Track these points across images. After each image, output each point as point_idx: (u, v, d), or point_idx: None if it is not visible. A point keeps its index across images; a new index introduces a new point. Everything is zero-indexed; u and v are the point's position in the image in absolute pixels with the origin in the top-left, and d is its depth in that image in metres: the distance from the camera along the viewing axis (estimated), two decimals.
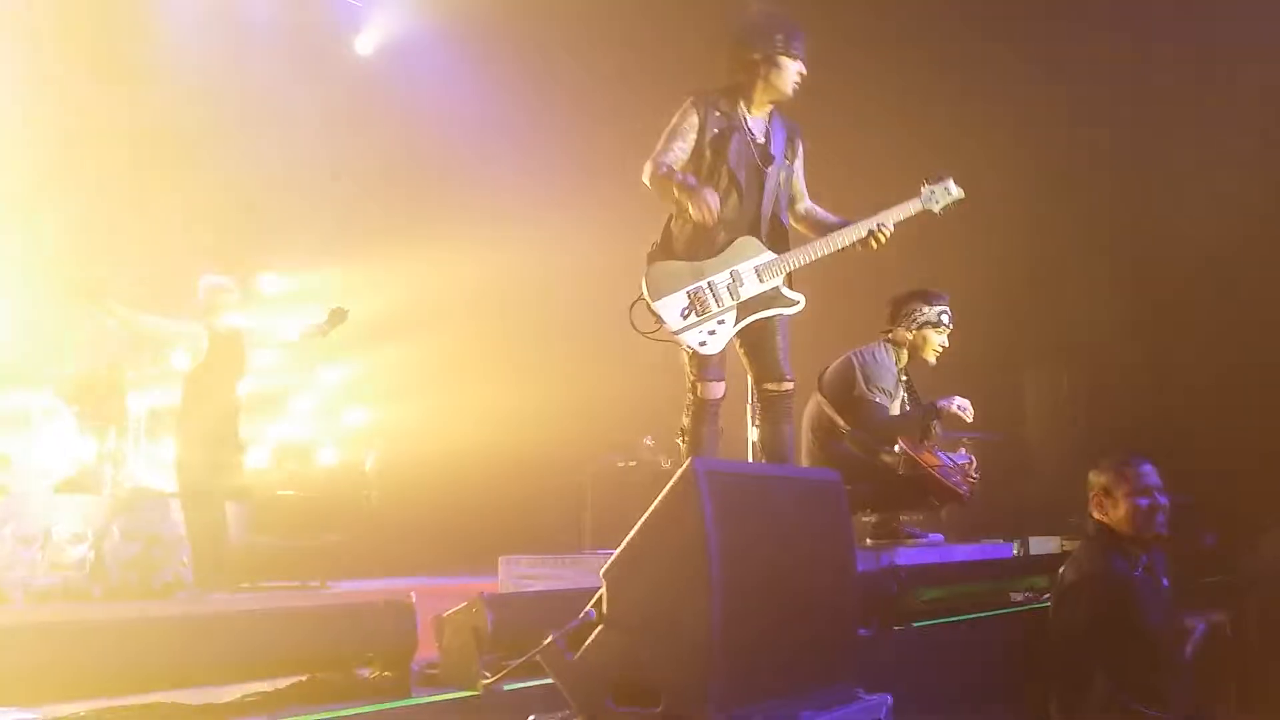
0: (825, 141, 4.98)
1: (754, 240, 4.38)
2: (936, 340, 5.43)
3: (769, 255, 4.38)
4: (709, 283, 4.24)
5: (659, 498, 2.51)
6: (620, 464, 8.91)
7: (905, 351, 5.42)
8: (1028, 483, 8.06)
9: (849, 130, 5.07)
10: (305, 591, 7.28)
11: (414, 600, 2.91)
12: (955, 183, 4.65)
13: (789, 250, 4.45)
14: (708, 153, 4.31)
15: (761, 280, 4.33)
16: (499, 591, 4.37)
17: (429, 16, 8.75)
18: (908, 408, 5.42)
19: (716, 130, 4.31)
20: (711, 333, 4.23)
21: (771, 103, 4.47)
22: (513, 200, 9.18)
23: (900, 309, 5.40)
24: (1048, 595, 4.82)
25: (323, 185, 9.04)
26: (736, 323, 4.31)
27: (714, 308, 4.23)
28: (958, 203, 4.66)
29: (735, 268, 4.29)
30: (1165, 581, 3.97)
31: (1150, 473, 3.96)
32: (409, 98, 8.90)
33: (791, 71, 4.39)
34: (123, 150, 8.12)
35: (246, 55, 8.23)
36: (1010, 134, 8.51)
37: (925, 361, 5.46)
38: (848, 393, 5.27)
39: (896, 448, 5.22)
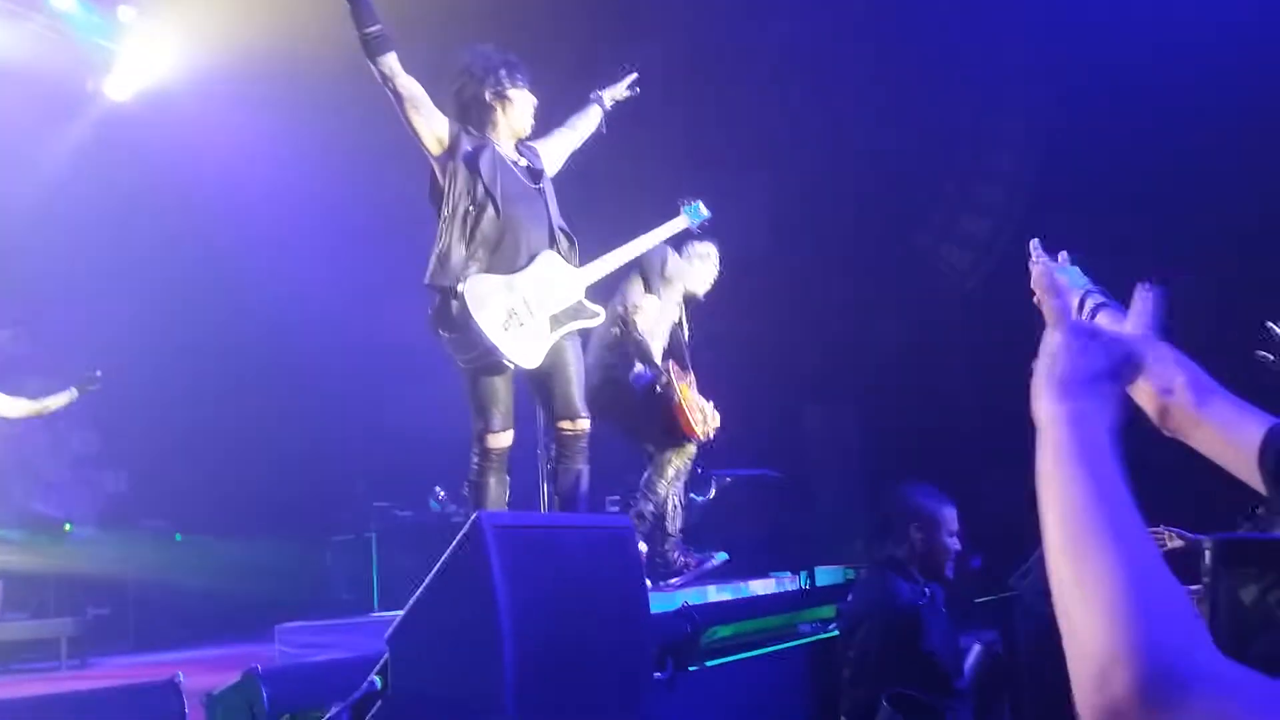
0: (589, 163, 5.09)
1: (555, 254, 4.38)
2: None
3: (569, 268, 4.41)
4: (522, 296, 4.21)
5: (444, 555, 2.42)
6: (401, 514, 8.63)
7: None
8: (811, 513, 8.28)
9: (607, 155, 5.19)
10: (62, 674, 6.70)
11: (181, 679, 2.69)
12: (704, 205, 5.31)
13: (582, 264, 4.52)
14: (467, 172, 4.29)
15: (566, 293, 4.35)
16: (275, 662, 4.12)
17: (189, 60, 8.34)
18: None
19: (470, 149, 4.29)
20: (531, 345, 4.19)
21: (515, 136, 4.50)
22: (274, 241, 8.83)
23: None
24: (834, 625, 4.93)
25: (70, 234, 8.45)
26: (550, 334, 4.28)
27: (529, 320, 4.20)
28: (708, 220, 5.35)
29: (543, 281, 4.29)
30: (943, 609, 4.12)
31: (955, 515, 4.12)
32: (166, 143, 8.46)
33: (525, 102, 4.46)
34: None
35: None
36: (762, 171, 8.81)
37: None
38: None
39: (663, 376, 5.41)
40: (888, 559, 4.11)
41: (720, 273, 5.87)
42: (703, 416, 5.51)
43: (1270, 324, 2.62)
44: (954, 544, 4.09)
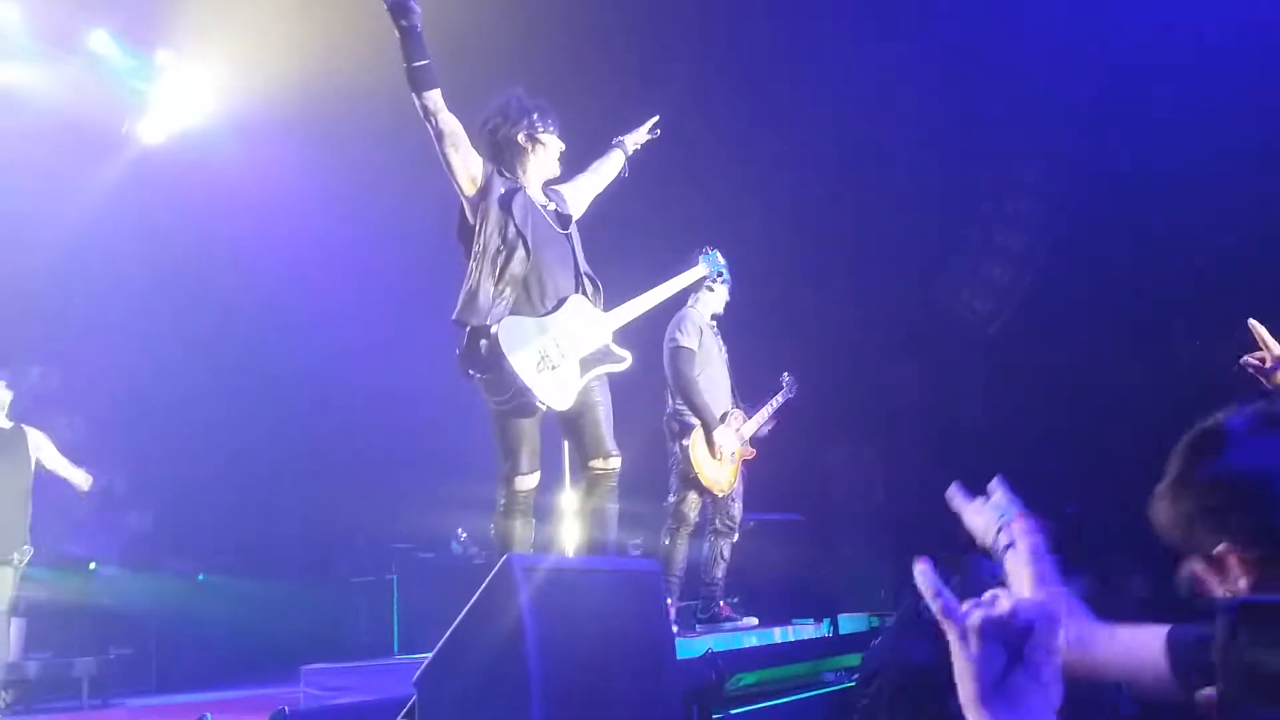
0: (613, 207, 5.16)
1: (582, 298, 4.41)
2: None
3: (597, 312, 4.43)
4: (553, 338, 4.23)
5: (474, 597, 2.42)
6: (423, 555, 8.62)
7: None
8: (834, 559, 8.24)
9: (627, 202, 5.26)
10: (84, 713, 6.70)
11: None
12: (720, 254, 5.55)
13: (609, 309, 4.53)
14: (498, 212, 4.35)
15: (595, 337, 4.37)
16: (301, 705, 4.11)
17: (222, 102, 8.47)
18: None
19: (503, 190, 4.33)
20: (562, 387, 4.20)
21: (543, 179, 4.55)
22: (305, 281, 8.92)
23: None
24: (858, 673, 4.88)
25: (100, 275, 8.55)
26: (580, 378, 4.29)
27: (561, 362, 4.21)
28: (725, 269, 5.58)
29: (573, 324, 4.31)
30: None
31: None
32: (199, 184, 8.57)
33: (554, 147, 4.51)
34: None
35: (19, 141, 7.76)
36: (783, 216, 8.85)
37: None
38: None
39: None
40: (914, 615, 4.04)
41: (742, 314, 6.03)
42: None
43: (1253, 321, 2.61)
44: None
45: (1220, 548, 1.40)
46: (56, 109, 7.90)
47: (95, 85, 8.11)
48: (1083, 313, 8.36)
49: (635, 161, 5.00)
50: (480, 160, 4.30)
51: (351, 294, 8.95)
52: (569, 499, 4.70)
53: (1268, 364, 2.54)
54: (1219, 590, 1.41)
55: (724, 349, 6.11)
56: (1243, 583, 1.38)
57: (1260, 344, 2.57)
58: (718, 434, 5.74)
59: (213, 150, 8.44)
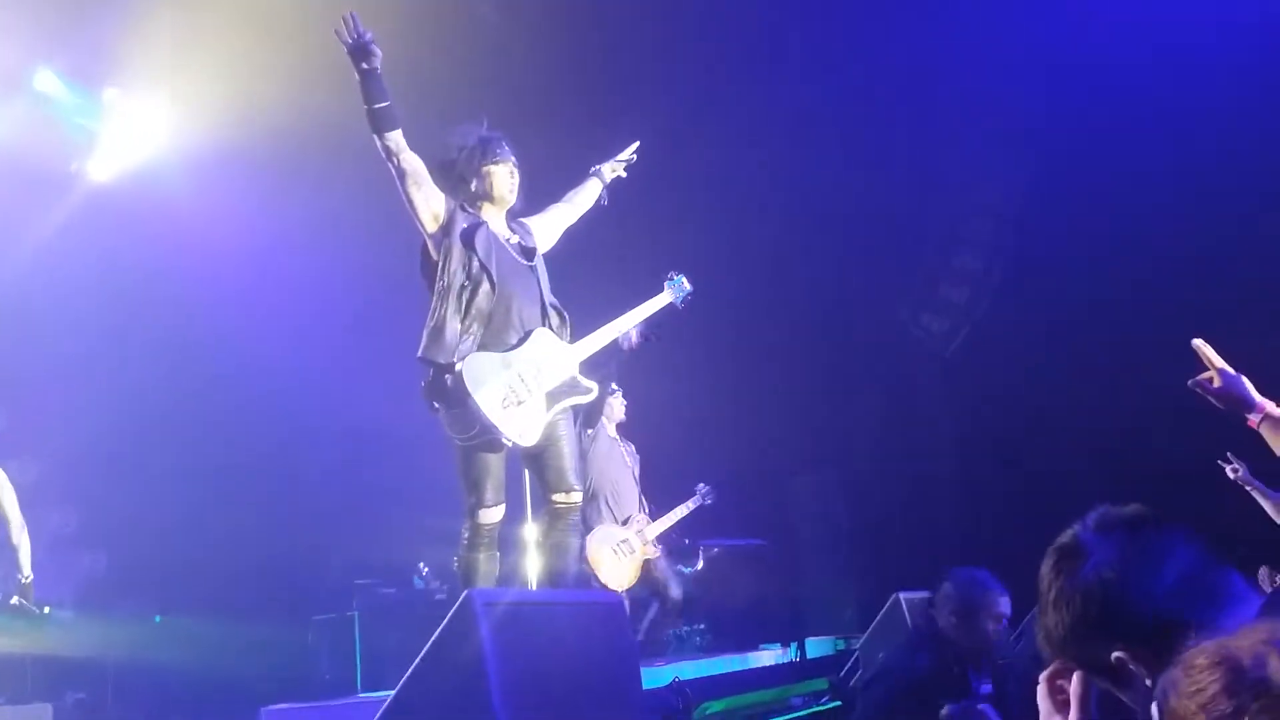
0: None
1: (548, 331, 4.39)
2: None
3: (562, 345, 4.42)
4: (519, 373, 4.20)
5: (435, 635, 2.39)
6: (385, 591, 8.52)
7: None
8: (799, 584, 8.24)
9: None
10: None
11: None
12: (686, 279, 5.32)
13: (573, 340, 4.52)
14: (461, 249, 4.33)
15: (561, 369, 4.35)
16: None
17: (172, 140, 8.41)
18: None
19: (465, 226, 4.32)
20: (528, 422, 4.17)
21: (502, 209, 4.54)
22: (256, 320, 8.83)
23: None
24: (826, 698, 4.88)
25: (51, 313, 8.42)
26: (546, 412, 4.27)
27: (527, 397, 4.19)
28: (691, 294, 5.36)
29: (538, 358, 4.29)
30: (987, 686, 4.05)
31: (1004, 603, 4.07)
32: (151, 222, 8.48)
33: (505, 174, 4.50)
34: None
35: None
36: (741, 242, 8.90)
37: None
38: None
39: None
40: (929, 633, 4.06)
41: (705, 333, 6.15)
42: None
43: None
44: (994, 631, 3.99)
45: (1116, 654, 1.41)
46: (2, 148, 7.81)
47: (42, 124, 8.03)
48: (1042, 331, 8.46)
49: (613, 188, 4.99)
50: (442, 197, 4.30)
51: (308, 329, 8.87)
52: (531, 530, 4.68)
53: (1215, 383, 2.56)
54: (1128, 698, 1.44)
55: (634, 455, 6.64)
56: (1149, 683, 1.38)
57: (1206, 364, 2.59)
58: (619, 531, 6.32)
59: (164, 187, 8.36)
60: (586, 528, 5.99)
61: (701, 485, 6.69)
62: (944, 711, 4.04)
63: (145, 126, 8.28)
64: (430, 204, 4.26)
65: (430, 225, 4.30)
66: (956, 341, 9.12)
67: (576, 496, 4.35)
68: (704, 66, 8.58)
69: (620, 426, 6.68)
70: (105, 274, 8.51)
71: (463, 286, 4.22)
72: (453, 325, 4.18)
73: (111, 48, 7.94)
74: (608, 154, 4.97)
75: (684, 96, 8.60)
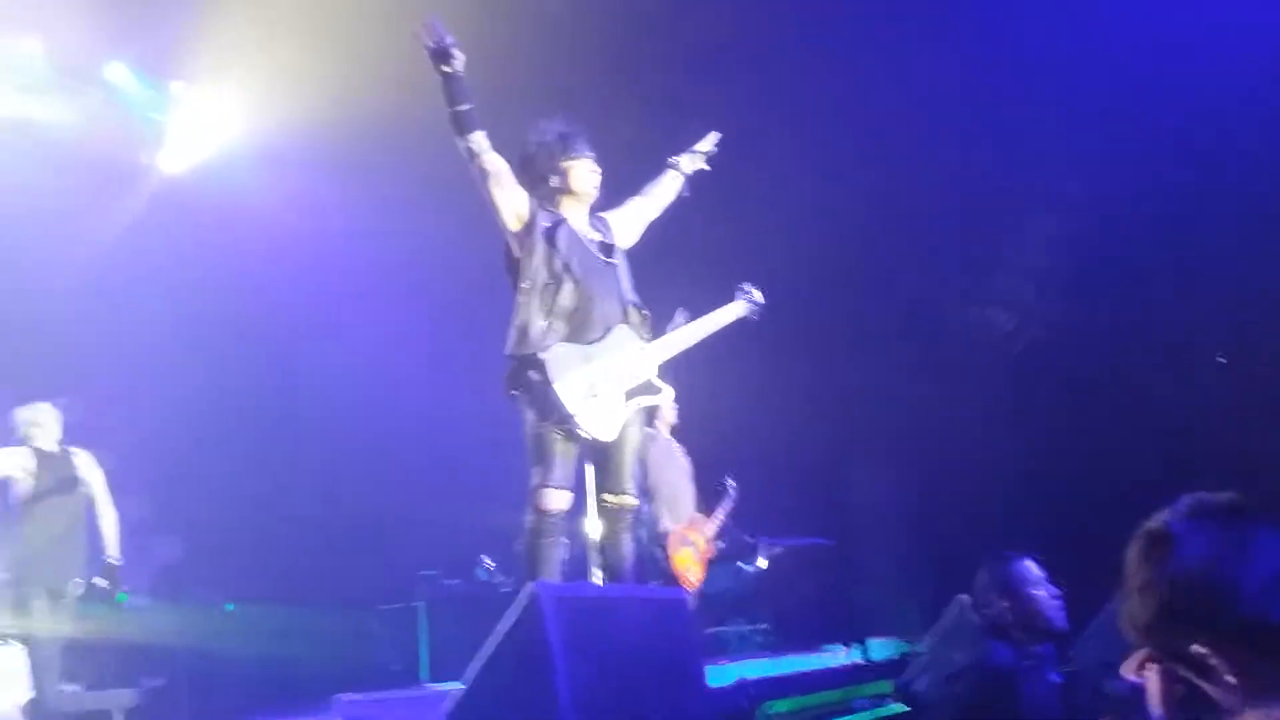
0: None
1: (627, 328, 4.39)
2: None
3: (641, 342, 4.41)
4: (601, 368, 4.22)
5: (500, 628, 2.40)
6: (449, 582, 8.60)
7: None
8: (863, 584, 8.18)
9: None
10: None
11: None
12: (757, 291, 5.13)
13: (654, 340, 4.49)
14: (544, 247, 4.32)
15: (639, 368, 4.35)
16: None
17: (240, 132, 8.54)
18: None
19: (548, 224, 4.32)
20: (606, 418, 4.18)
21: (583, 205, 4.52)
22: (328, 310, 8.96)
23: None
24: (889, 699, 4.83)
25: (123, 304, 8.60)
26: (623, 408, 4.27)
27: (605, 392, 4.20)
28: (763, 306, 5.15)
29: (618, 354, 4.29)
30: (1057, 676, 4.00)
31: (1030, 565, 4.03)
32: (221, 214, 8.62)
33: (585, 169, 4.48)
34: None
35: (40, 173, 7.83)
36: (804, 235, 8.82)
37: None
38: None
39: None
40: (990, 626, 4.02)
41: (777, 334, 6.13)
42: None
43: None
44: (1043, 595, 3.96)
45: (1198, 647, 1.38)
46: (76, 141, 7.98)
47: (114, 117, 8.19)
48: (1114, 330, 8.29)
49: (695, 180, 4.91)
50: (525, 195, 4.31)
51: (378, 322, 8.98)
52: (590, 525, 4.68)
53: None
54: (1210, 690, 1.40)
55: (687, 457, 6.79)
56: (1230, 678, 1.36)
57: None
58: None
59: (235, 180, 8.50)
60: (650, 529, 6.02)
61: (728, 479, 6.92)
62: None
63: (214, 119, 8.43)
64: (514, 204, 4.29)
65: (514, 225, 4.32)
66: (1025, 339, 8.98)
67: (628, 500, 4.34)
68: (774, 64, 8.52)
69: (672, 429, 6.71)
70: (178, 265, 8.68)
71: (546, 284, 4.25)
72: (538, 323, 4.21)
73: (181, 41, 8.09)
74: (682, 145, 4.91)
75: (758, 91, 8.54)
